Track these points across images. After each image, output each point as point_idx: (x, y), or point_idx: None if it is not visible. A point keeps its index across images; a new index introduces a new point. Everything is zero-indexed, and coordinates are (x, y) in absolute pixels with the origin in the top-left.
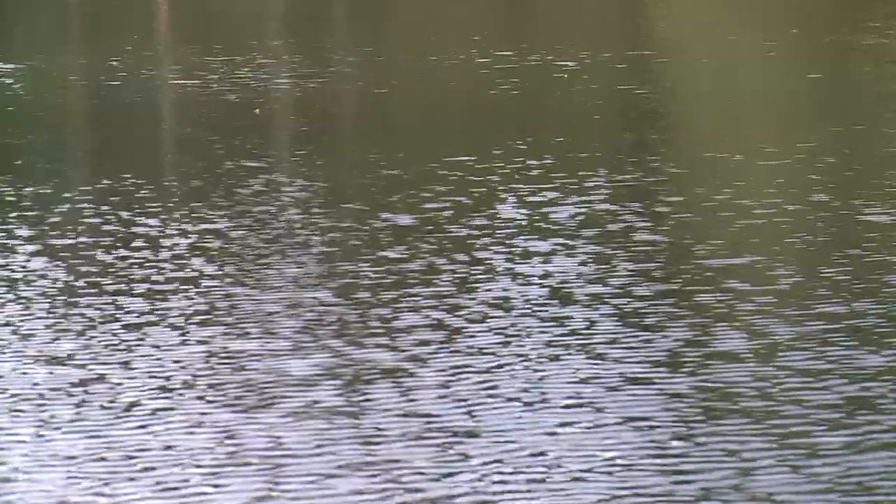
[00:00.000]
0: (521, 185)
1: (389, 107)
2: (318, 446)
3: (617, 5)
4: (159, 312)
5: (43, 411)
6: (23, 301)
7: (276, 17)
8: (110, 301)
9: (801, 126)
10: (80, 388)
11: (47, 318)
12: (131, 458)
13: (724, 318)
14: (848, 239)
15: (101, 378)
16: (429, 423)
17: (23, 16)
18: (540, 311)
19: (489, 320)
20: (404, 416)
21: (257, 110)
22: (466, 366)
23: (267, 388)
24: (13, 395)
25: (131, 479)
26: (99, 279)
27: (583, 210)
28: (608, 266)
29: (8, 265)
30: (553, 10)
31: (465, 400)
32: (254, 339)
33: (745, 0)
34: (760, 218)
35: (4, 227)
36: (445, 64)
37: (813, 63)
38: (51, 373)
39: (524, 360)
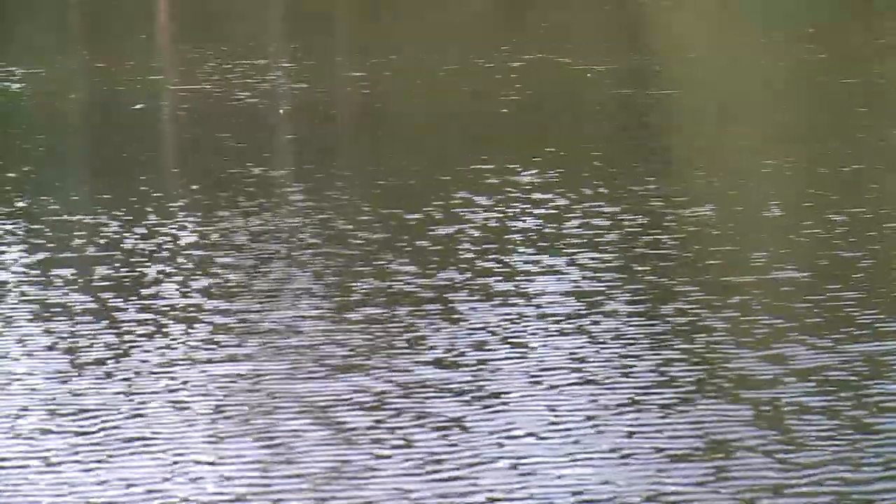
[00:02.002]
0: (534, 196)
1: (396, 112)
2: (356, 471)
3: (619, 10)
4: (171, 329)
5: (54, 436)
6: (34, 314)
7: (277, 17)
8: (118, 316)
9: (828, 132)
10: (95, 408)
11: (63, 332)
12: (155, 489)
13: (744, 339)
14: (876, 256)
15: (113, 397)
16: (446, 449)
17: (23, 16)
18: (551, 327)
19: (498, 336)
20: (424, 439)
21: (282, 110)
22: (481, 383)
23: (292, 410)
24: (22, 418)
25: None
26: (109, 292)
27: (601, 222)
28: (624, 280)
29: (15, 275)
30: (559, 14)
31: (485, 422)
32: (271, 358)
33: (755, 2)
34: (785, 231)
35: (10, 235)
36: (448, 68)
37: (836, 65)
38: (72, 390)
39: (537, 382)
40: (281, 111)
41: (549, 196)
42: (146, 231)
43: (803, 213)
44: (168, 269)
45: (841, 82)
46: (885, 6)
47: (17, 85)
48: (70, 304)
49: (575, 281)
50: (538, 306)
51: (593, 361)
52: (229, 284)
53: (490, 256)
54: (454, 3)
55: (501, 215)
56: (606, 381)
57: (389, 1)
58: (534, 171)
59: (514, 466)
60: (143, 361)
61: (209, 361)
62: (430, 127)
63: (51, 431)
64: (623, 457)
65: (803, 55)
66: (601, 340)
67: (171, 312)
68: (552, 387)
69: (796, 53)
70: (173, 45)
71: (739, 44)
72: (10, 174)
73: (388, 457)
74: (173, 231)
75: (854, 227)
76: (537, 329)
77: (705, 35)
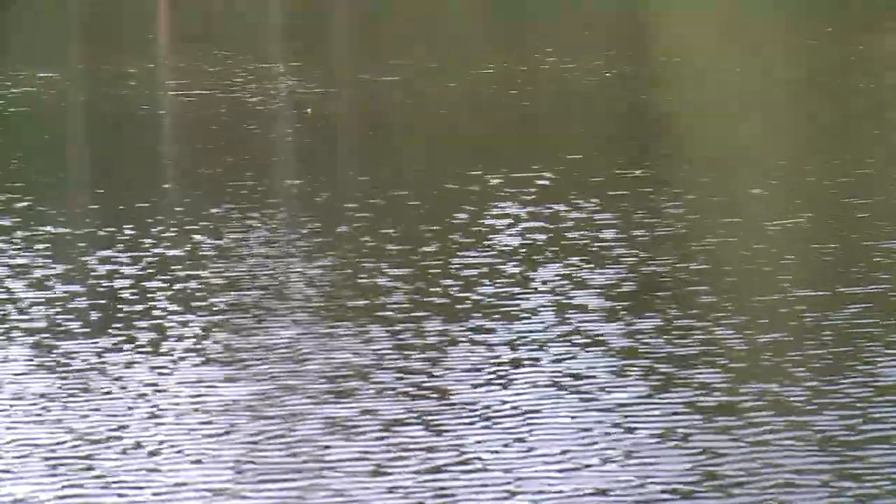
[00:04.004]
0: (536, 205)
1: (404, 117)
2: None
3: (619, 18)
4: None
5: (72, 455)
6: (36, 325)
7: (276, 23)
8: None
9: (838, 136)
10: (112, 426)
11: (62, 345)
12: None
13: (748, 361)
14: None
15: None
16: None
17: (25, 19)
18: (565, 342)
19: (509, 351)
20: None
21: (308, 110)
22: (484, 402)
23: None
24: (37, 434)
25: None
26: (125, 304)
27: (613, 234)
28: (639, 295)
29: (23, 285)
30: (563, 21)
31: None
32: (279, 377)
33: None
34: (802, 243)
35: (16, 244)
36: (447, 75)
37: (848, 67)
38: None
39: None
40: (308, 110)
41: (559, 205)
42: (150, 239)
43: (816, 222)
44: (176, 280)
45: (854, 84)
46: (885, 6)
47: (19, 88)
48: (72, 313)
49: (587, 294)
50: (551, 320)
51: (609, 382)
52: (241, 298)
53: (502, 268)
54: (456, 7)
55: (511, 224)
56: (624, 404)
57: (386, 8)
58: (544, 180)
59: (530, 492)
60: (147, 376)
61: (213, 380)
62: (438, 132)
63: (52, 449)
64: (643, 485)
65: (816, 57)
66: (616, 358)
67: (186, 323)
68: (569, 405)
69: (811, 55)
70: (173, 45)
71: (753, 47)
72: (10, 180)
73: (404, 486)
74: (175, 239)
75: (868, 238)
76: (549, 346)
77: (720, 39)
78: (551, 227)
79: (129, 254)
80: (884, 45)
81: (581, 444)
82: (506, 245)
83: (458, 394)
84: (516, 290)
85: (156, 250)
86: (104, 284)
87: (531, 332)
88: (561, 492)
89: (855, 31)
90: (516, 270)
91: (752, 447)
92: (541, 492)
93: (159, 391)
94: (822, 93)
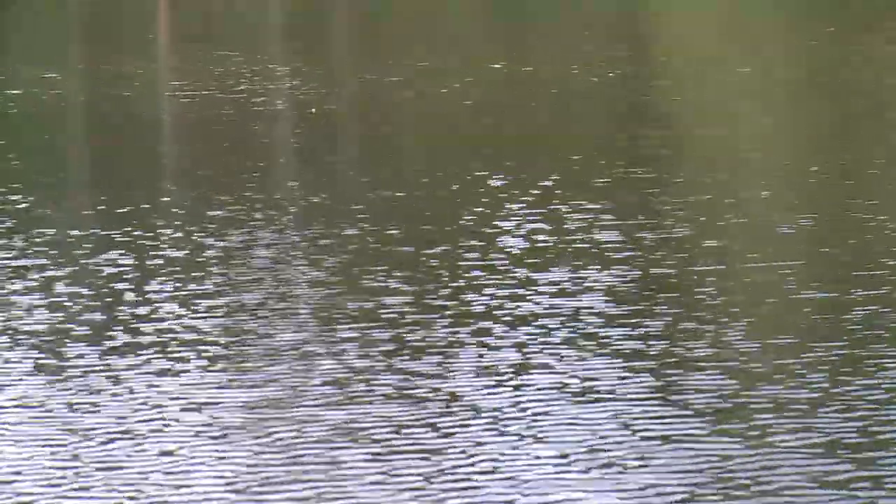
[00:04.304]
0: (538, 206)
1: (406, 118)
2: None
3: (619, 18)
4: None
5: (78, 460)
6: (38, 330)
7: (276, 23)
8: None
9: (838, 137)
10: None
11: (62, 350)
12: None
13: (751, 366)
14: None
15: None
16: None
17: (25, 19)
18: (569, 348)
19: (514, 356)
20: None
21: (312, 109)
22: (484, 411)
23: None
24: (45, 440)
25: None
26: (131, 309)
27: (616, 236)
28: (643, 301)
29: (15, 286)
30: (563, 21)
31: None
32: (288, 382)
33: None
34: (805, 245)
35: (15, 245)
36: (447, 75)
37: (851, 67)
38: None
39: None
40: (312, 110)
41: (560, 206)
42: (151, 240)
43: (819, 223)
44: (180, 285)
45: (854, 84)
46: (885, 6)
47: (19, 88)
48: (73, 315)
49: (591, 296)
50: (556, 323)
51: (617, 388)
52: (245, 300)
53: (505, 269)
54: (456, 7)
55: (513, 225)
56: (632, 410)
57: (389, 3)
58: (544, 180)
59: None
60: (150, 379)
61: (220, 383)
62: (438, 132)
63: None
64: (657, 494)
65: (816, 57)
66: (623, 361)
67: (192, 328)
68: (575, 408)
69: (811, 55)
70: (173, 45)
71: (753, 47)
72: (10, 180)
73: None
74: (177, 240)
75: (872, 240)
76: (553, 348)
77: (720, 39)
78: (554, 228)
79: (130, 255)
80: (884, 45)
81: (587, 446)
82: (509, 246)
83: (464, 397)
84: (521, 291)
85: (157, 251)
86: (105, 286)
87: (536, 334)
88: (567, 495)
89: (855, 31)
90: (520, 272)
91: (759, 450)
92: (547, 496)
93: (162, 395)
94: (822, 93)
